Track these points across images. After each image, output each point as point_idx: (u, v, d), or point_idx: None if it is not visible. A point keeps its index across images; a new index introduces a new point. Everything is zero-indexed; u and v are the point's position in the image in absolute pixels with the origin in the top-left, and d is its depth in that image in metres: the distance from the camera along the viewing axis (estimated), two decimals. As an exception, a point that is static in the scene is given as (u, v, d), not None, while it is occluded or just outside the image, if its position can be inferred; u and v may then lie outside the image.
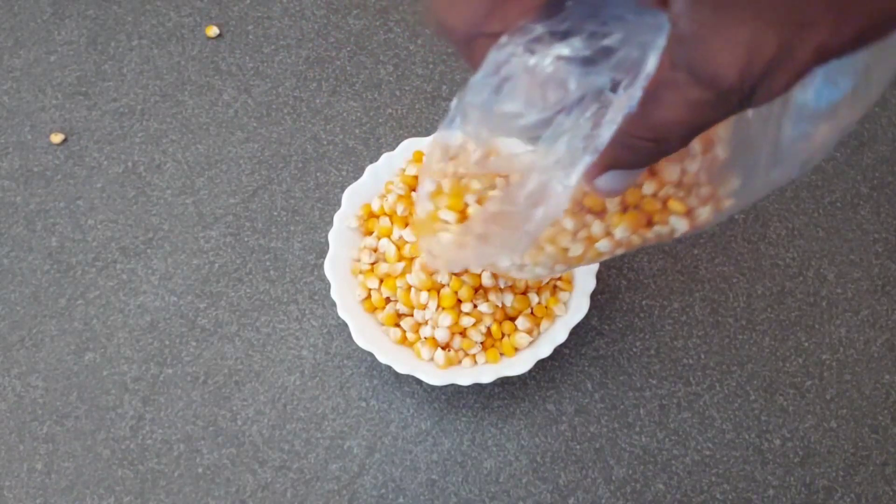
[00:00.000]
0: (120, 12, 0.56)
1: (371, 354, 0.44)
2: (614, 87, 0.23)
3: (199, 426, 0.46)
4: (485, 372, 0.42)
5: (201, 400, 0.46)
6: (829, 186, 0.50)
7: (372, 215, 0.46)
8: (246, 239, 0.50)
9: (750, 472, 0.45)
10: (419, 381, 0.46)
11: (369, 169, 0.46)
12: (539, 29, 0.23)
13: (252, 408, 0.46)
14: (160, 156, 0.52)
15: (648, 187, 0.31)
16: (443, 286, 0.42)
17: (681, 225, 0.32)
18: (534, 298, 0.43)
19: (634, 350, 0.47)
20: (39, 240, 0.50)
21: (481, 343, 0.43)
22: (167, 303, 0.48)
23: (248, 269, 0.49)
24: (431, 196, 0.35)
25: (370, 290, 0.44)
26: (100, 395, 0.46)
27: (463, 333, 0.43)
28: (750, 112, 0.28)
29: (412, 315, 0.43)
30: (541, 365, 0.43)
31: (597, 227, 0.32)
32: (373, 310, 0.44)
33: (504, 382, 0.46)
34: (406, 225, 0.44)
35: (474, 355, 0.43)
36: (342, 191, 0.47)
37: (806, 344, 0.47)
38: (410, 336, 0.43)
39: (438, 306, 0.42)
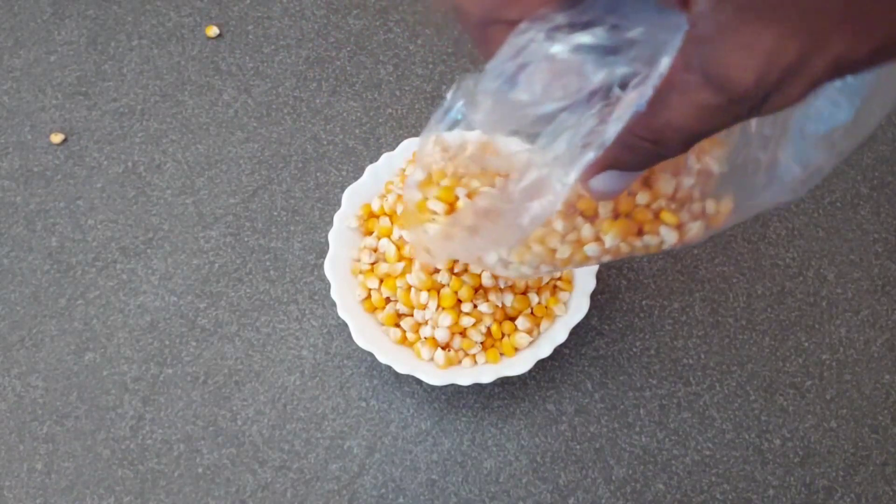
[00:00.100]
0: (120, 12, 0.56)
1: (371, 354, 0.44)
2: (624, 85, 0.23)
3: (199, 426, 0.46)
4: (485, 372, 0.42)
5: (201, 400, 0.46)
6: (829, 186, 0.50)
7: (372, 215, 0.46)
8: (246, 239, 0.50)
9: (750, 472, 0.45)
10: (419, 381, 0.46)
11: (369, 169, 0.46)
12: (560, 18, 0.23)
13: (252, 408, 0.46)
14: (160, 156, 0.52)
15: (642, 197, 0.31)
16: (443, 286, 0.42)
17: (670, 237, 0.32)
18: (534, 298, 0.43)
19: (634, 350, 0.47)
20: (39, 240, 0.50)
21: (481, 343, 0.43)
22: (167, 303, 0.48)
23: (248, 269, 0.49)
24: (420, 185, 0.35)
25: (370, 290, 0.44)
26: (100, 395, 0.46)
27: (463, 333, 0.43)
28: (753, 128, 0.28)
29: (412, 315, 0.43)
30: (541, 365, 0.43)
31: (587, 230, 0.32)
32: (373, 310, 0.44)
33: (504, 382, 0.46)
34: (406, 225, 0.44)
35: (474, 355, 0.43)
36: (342, 191, 0.47)
37: (806, 344, 0.47)
38: (410, 336, 0.43)
39: (438, 306, 0.42)
